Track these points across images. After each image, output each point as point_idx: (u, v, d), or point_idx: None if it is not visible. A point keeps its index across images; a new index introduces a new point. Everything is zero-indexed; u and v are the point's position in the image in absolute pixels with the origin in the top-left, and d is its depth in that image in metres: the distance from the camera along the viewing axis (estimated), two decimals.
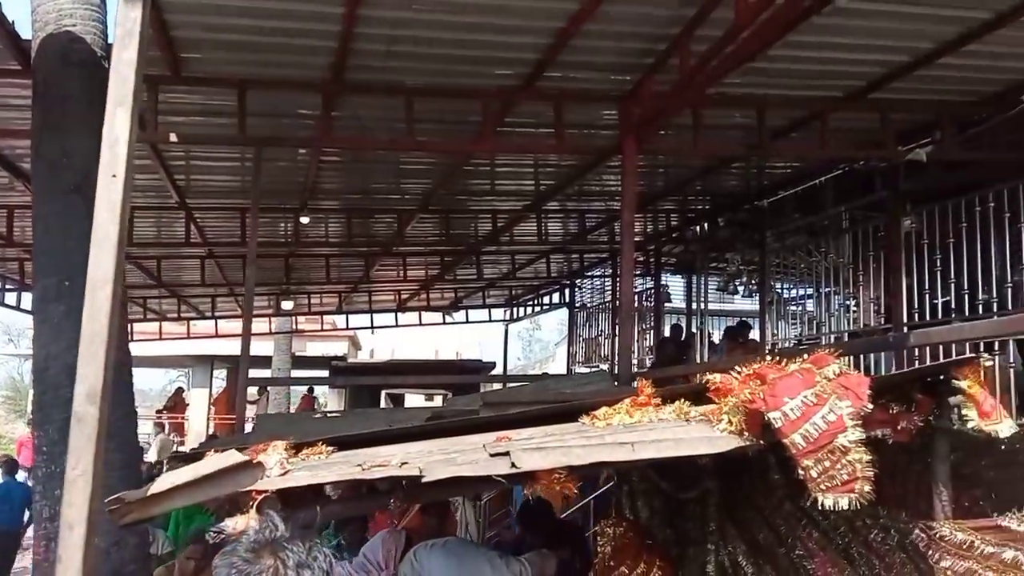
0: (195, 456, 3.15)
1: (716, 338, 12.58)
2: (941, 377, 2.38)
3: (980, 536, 2.31)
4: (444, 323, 19.44)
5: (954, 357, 2.51)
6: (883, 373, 6.25)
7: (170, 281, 13.32)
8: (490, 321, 18.95)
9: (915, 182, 7.68)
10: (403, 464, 2.22)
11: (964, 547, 2.35)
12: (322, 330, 20.12)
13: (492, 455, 2.17)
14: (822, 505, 2.17)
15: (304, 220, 9.53)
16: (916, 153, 4.08)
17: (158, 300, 15.48)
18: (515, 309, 18.88)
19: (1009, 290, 6.58)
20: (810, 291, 9.92)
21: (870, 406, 2.13)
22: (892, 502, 2.76)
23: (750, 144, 6.79)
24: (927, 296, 7.24)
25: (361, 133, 6.94)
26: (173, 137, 6.15)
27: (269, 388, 17.62)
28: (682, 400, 2.76)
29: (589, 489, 8.42)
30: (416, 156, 7.83)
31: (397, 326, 18.45)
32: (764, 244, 10.12)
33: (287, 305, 16.07)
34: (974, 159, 6.80)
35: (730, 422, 2.27)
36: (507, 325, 18.88)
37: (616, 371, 6.46)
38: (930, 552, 2.37)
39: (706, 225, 11.30)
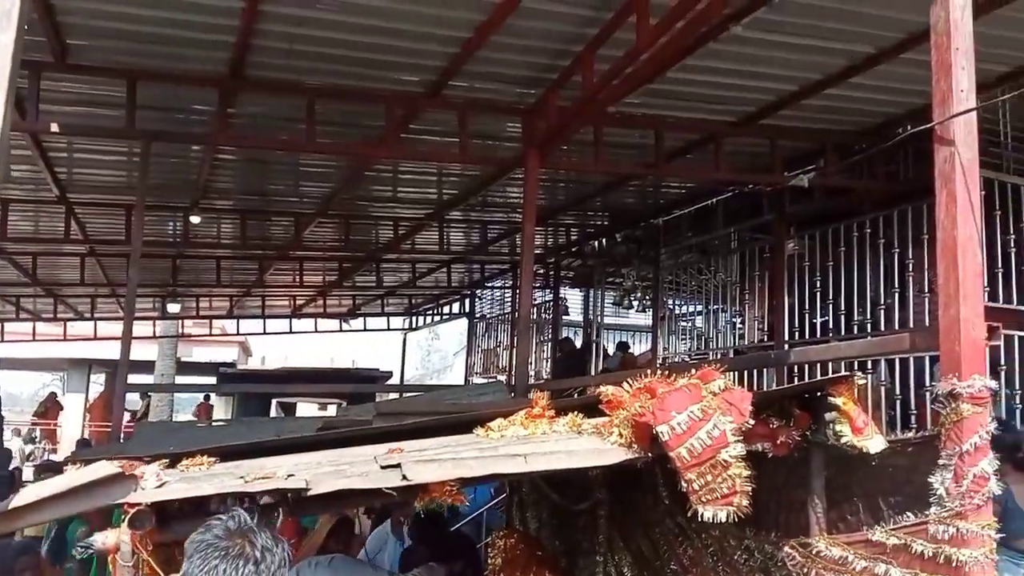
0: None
1: (611, 351, 12.88)
2: (818, 393, 2.49)
3: (853, 551, 2.41)
4: (341, 331, 19.07)
5: (830, 375, 2.62)
6: (766, 388, 6.52)
7: (46, 279, 12.53)
8: (388, 330, 18.74)
9: (800, 207, 8.09)
10: (289, 476, 2.14)
11: (839, 562, 2.44)
12: (211, 335, 19.37)
13: (383, 467, 2.12)
14: (700, 520, 2.23)
15: (194, 220, 9.15)
16: (799, 179, 4.29)
17: (32, 299, 14.54)
18: (414, 318, 18.74)
19: (882, 312, 7.00)
20: (700, 308, 10.27)
21: (752, 421, 2.20)
22: (772, 517, 2.87)
23: (647, 163, 6.96)
24: (807, 316, 7.62)
25: (259, 132, 6.74)
26: (54, 127, 5.79)
27: (151, 395, 16.81)
28: (575, 412, 2.78)
29: (482, 500, 8.42)
30: (317, 158, 7.67)
31: (291, 333, 17.98)
32: (658, 261, 10.41)
33: (173, 308, 15.39)
34: (854, 187, 7.20)
35: (620, 435, 2.30)
36: (406, 334, 18.71)
37: (513, 382, 6.49)
38: (806, 569, 2.46)
39: (604, 240, 11.53)
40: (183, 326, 18.27)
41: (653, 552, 3.22)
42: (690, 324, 10.45)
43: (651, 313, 11.53)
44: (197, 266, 12.76)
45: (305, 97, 5.83)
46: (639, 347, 14.24)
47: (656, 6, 4.26)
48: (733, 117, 6.58)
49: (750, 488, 2.13)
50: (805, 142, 6.78)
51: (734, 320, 9.93)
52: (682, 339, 10.34)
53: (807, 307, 7.64)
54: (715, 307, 9.39)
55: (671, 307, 10.56)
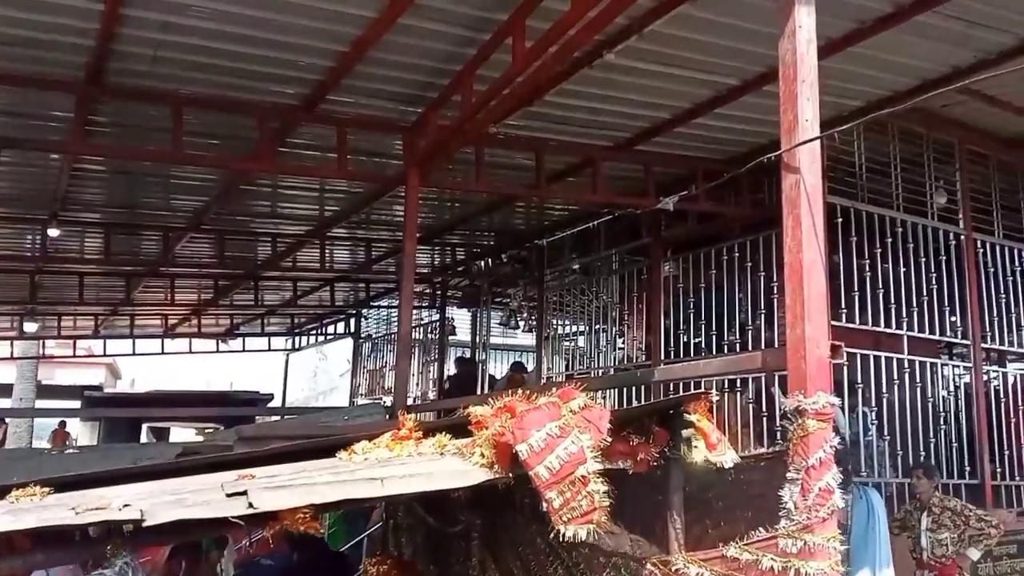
0: None
1: (499, 372, 12.89)
2: (676, 411, 2.55)
3: (709, 567, 2.46)
4: (218, 351, 18.29)
5: (686, 392, 2.69)
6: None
7: None
8: (269, 351, 18.10)
9: (675, 231, 8.39)
10: (125, 506, 2.00)
11: None
12: (75, 356, 18.17)
13: (229, 495, 2.01)
14: (565, 541, 2.22)
15: (53, 233, 8.56)
16: (664, 202, 4.43)
17: None
18: (297, 338, 18.20)
19: (751, 332, 7.31)
20: (584, 328, 10.45)
21: (610, 438, 2.22)
22: (638, 534, 2.90)
23: (530, 184, 7.04)
24: (682, 336, 7.87)
25: (125, 142, 6.40)
26: None
27: (7, 420, 15.57)
28: (443, 433, 2.74)
29: (362, 525, 8.22)
30: (188, 171, 7.34)
31: (164, 354, 17.09)
32: (543, 281, 10.54)
33: (31, 327, 14.33)
34: (723, 212, 7.51)
35: (483, 455, 2.27)
36: (288, 355, 18.14)
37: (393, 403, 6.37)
38: None
39: (491, 260, 11.57)
40: (44, 347, 17.06)
41: (524, 573, 3.20)
42: (573, 344, 10.61)
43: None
44: (59, 282, 11.95)
45: (172, 106, 5.58)
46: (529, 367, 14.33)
47: (532, 29, 4.32)
48: (610, 142, 6.76)
49: (608, 504, 2.14)
50: (677, 168, 7.03)
51: (615, 340, 10.16)
52: (565, 358, 10.48)
53: (681, 327, 7.91)
54: (597, 327, 9.57)
55: (555, 327, 10.69)
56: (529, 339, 14.20)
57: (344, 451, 2.67)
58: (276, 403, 17.38)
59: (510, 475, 2.24)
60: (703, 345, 7.72)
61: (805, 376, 2.36)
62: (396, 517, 4.67)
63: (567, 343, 10.66)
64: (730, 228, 7.67)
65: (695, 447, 2.45)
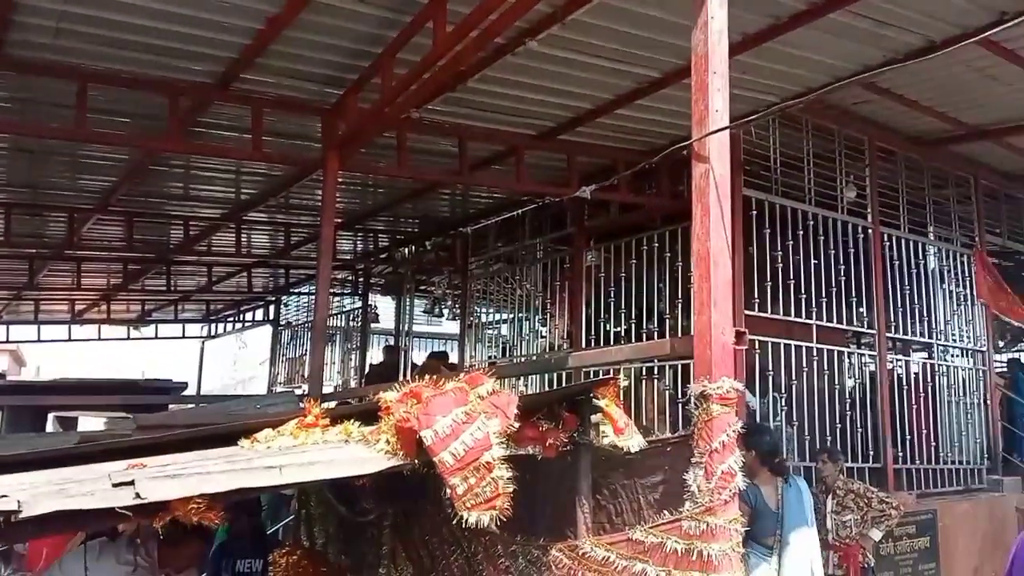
0: None
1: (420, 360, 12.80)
2: (585, 396, 2.56)
3: (616, 551, 2.48)
4: (129, 339, 17.61)
5: (596, 378, 2.71)
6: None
7: None
8: (184, 338, 17.53)
9: (598, 221, 8.47)
10: (1, 497, 1.88)
11: (603, 563, 2.51)
12: None
13: (115, 484, 1.91)
14: (473, 528, 2.20)
15: None
16: (583, 191, 4.46)
17: None
18: (213, 325, 17.68)
19: (668, 321, 7.45)
20: (507, 316, 10.46)
21: (517, 424, 2.21)
22: (542, 521, 2.91)
23: (452, 171, 6.99)
24: (603, 324, 7.96)
25: (26, 118, 6.07)
26: None
27: None
28: (352, 421, 2.68)
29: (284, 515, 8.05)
30: (96, 149, 7.00)
31: (71, 340, 16.36)
32: (467, 269, 10.50)
33: None
34: (643, 203, 7.61)
35: (387, 442, 2.23)
36: (204, 342, 17.61)
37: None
38: (571, 571, 2.51)
39: (414, 248, 11.46)
40: None
41: (430, 562, 3.18)
42: (496, 332, 10.61)
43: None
44: None
45: (77, 82, 5.31)
46: (453, 356, 14.28)
47: (453, 13, 4.26)
48: (534, 131, 6.76)
49: (512, 490, 2.13)
50: (600, 158, 7.08)
51: (538, 328, 10.22)
52: (488, 347, 10.48)
53: (602, 316, 8.00)
54: (520, 315, 9.60)
55: (479, 315, 10.68)
56: (454, 327, 14.18)
57: (246, 439, 2.58)
58: (192, 392, 16.85)
59: (415, 462, 2.20)
60: (623, 334, 7.82)
61: (710, 362, 2.40)
62: (308, 507, 4.58)
63: (490, 331, 10.65)
64: (652, 219, 7.78)
65: (603, 432, 2.46)
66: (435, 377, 2.38)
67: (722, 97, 2.56)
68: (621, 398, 2.50)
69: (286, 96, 5.89)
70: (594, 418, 2.51)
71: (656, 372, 7.32)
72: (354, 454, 2.24)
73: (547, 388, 7.56)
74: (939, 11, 4.76)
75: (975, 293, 8.37)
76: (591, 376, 6.66)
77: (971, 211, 8.61)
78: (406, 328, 12.90)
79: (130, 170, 7.43)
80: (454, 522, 2.26)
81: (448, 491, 2.12)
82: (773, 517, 4.64)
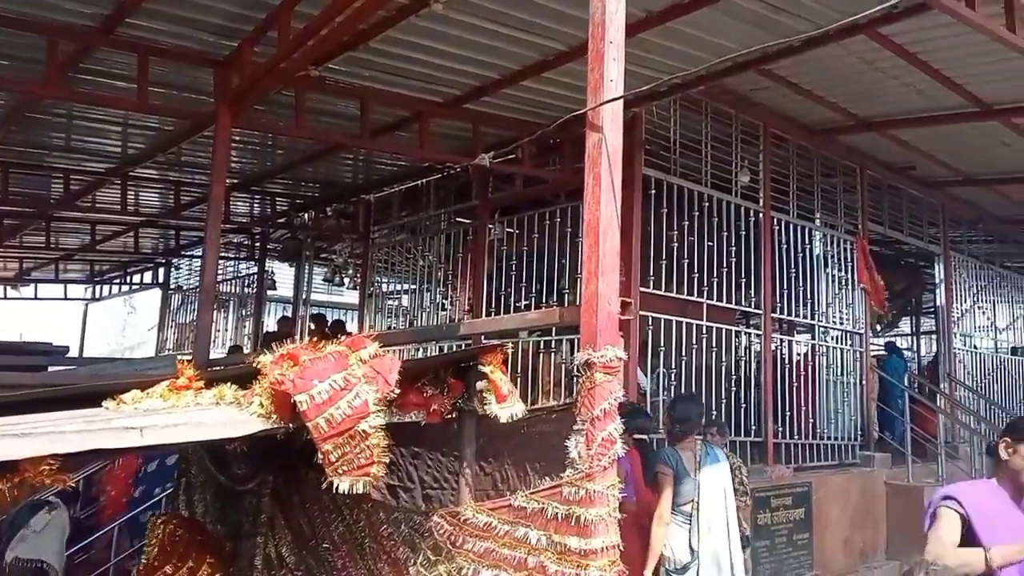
0: None
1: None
2: (471, 363, 2.53)
3: (498, 516, 2.48)
4: (6, 298, 16.53)
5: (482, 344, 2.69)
6: None
7: None
8: (65, 299, 16.57)
9: (503, 193, 8.45)
10: None
11: (484, 529, 2.50)
12: None
13: None
14: (348, 497, 2.15)
15: None
16: (482, 159, 4.41)
17: None
18: (99, 287, 16.78)
19: (567, 296, 7.53)
20: (410, 287, 10.35)
21: (398, 390, 2.17)
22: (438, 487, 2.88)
23: (353, 135, 6.80)
24: (503, 297, 7.97)
25: None
26: None
27: None
28: (228, 384, 2.57)
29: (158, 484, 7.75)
30: None
31: None
32: (369, 238, 10.32)
33: None
34: (547, 177, 7.62)
35: (261, 405, 2.15)
36: (87, 304, 16.71)
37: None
38: (452, 536, 2.49)
39: (315, 213, 11.15)
40: None
41: (310, 530, 3.11)
42: (397, 303, 10.48)
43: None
44: None
45: None
46: (351, 326, 14.03)
47: None
48: (440, 98, 6.64)
49: (388, 459, 2.09)
50: (505, 129, 7.03)
51: (442, 300, 10.15)
52: (389, 318, 10.35)
53: (504, 289, 8.01)
54: (423, 287, 9.52)
55: (380, 285, 10.52)
56: (355, 297, 13.93)
57: (112, 400, 2.44)
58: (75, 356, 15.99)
59: (289, 426, 2.13)
60: (525, 308, 7.85)
61: (596, 330, 2.41)
62: (188, 475, 4.41)
63: (392, 302, 10.50)
64: (556, 194, 7.81)
65: (486, 399, 2.45)
66: (315, 339, 2.30)
67: (617, 67, 2.55)
68: (508, 365, 2.49)
69: (176, 45, 5.58)
70: (479, 385, 2.48)
71: (553, 345, 7.40)
72: (224, 417, 2.15)
73: None
74: (830, 0, 4.92)
75: (856, 278, 8.81)
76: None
77: (856, 200, 9.04)
78: (304, 296, 12.60)
79: (5, 116, 6.91)
80: (336, 489, 2.20)
81: (320, 456, 2.06)
82: (692, 483, 4.74)
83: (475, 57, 5.81)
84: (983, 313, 11.26)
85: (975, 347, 10.98)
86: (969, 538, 2.58)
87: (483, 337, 7.75)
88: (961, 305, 10.75)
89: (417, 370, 2.44)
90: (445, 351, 7.81)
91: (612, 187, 2.51)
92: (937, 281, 10.77)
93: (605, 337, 2.42)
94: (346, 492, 2.07)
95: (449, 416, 2.55)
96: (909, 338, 15.58)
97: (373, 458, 2.05)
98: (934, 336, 11.57)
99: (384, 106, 6.69)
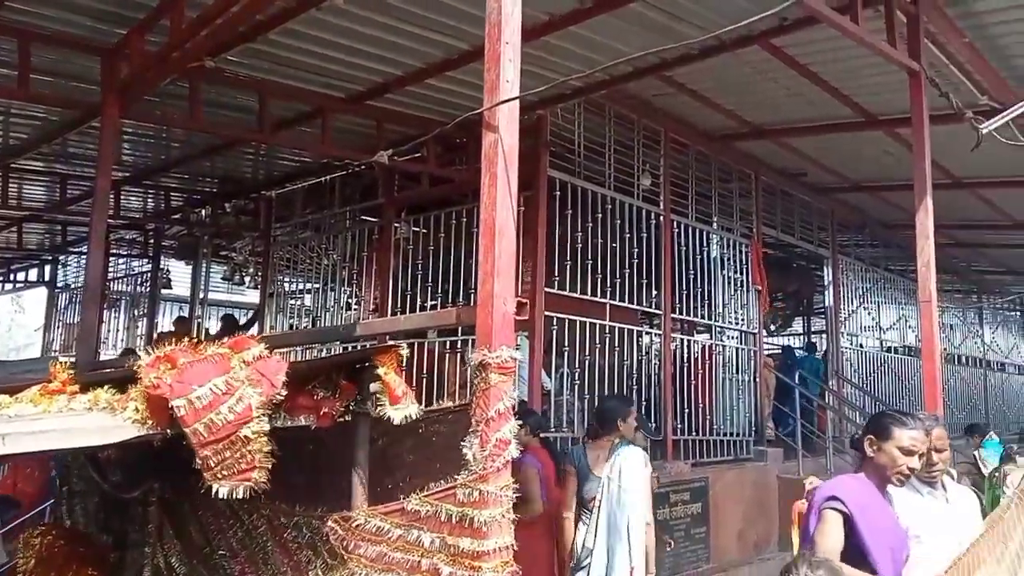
0: None
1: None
2: (366, 364, 2.48)
3: (390, 521, 2.44)
4: None
5: (378, 344, 2.64)
6: None
7: None
8: None
9: (410, 192, 8.37)
10: None
11: (377, 533, 2.45)
12: None
13: None
14: (246, 502, 2.08)
15: None
16: (380, 155, 4.35)
17: None
18: None
19: (473, 297, 7.49)
20: (313, 286, 10.12)
21: (284, 392, 2.10)
22: (324, 492, 2.82)
23: (252, 129, 6.60)
24: (409, 297, 7.90)
25: None
26: None
27: None
28: (105, 388, 2.44)
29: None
30: None
31: None
32: (269, 235, 10.04)
33: None
34: (452, 177, 7.60)
35: (136, 410, 2.04)
36: None
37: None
38: (345, 541, 2.44)
39: (212, 209, 10.76)
40: None
41: (203, 538, 2.99)
42: (299, 303, 10.24)
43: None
44: None
45: None
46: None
47: None
48: (342, 93, 6.52)
49: (271, 463, 2.02)
50: (409, 128, 6.96)
51: (348, 300, 9.97)
52: (291, 318, 10.10)
53: (409, 289, 7.93)
54: (328, 286, 9.33)
55: (283, 284, 10.25)
56: (256, 296, 13.52)
57: None
58: None
59: (166, 432, 2.03)
60: (431, 308, 7.79)
61: (491, 331, 2.40)
62: (71, 483, 4.18)
63: (294, 302, 10.25)
64: (463, 193, 7.79)
65: (379, 401, 2.40)
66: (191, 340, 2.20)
67: (513, 68, 2.55)
68: (402, 366, 2.45)
69: (61, 31, 5.28)
70: (373, 387, 2.44)
71: (459, 346, 7.37)
72: (96, 423, 2.03)
73: None
74: (725, 10, 5.07)
75: (750, 280, 9.14)
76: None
77: (751, 204, 9.38)
78: (202, 296, 12.17)
79: None
80: (232, 495, 2.12)
81: (199, 462, 1.97)
82: (596, 482, 4.75)
83: (378, 53, 5.74)
84: (868, 313, 11.88)
85: (861, 346, 11.58)
86: (851, 535, 2.70)
87: (388, 337, 7.67)
88: (848, 306, 11.31)
89: (307, 372, 2.38)
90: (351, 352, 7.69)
91: (508, 187, 2.51)
92: (826, 283, 11.31)
93: (500, 337, 2.41)
94: (244, 497, 1.99)
95: (341, 419, 2.49)
96: (801, 337, 16.28)
97: (255, 463, 1.98)
98: (824, 335, 12.11)
99: (284, 100, 6.53)
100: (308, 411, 2.37)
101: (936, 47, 5.46)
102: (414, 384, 7.09)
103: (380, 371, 2.35)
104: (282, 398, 2.09)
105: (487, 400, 2.37)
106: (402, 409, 2.36)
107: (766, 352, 11.31)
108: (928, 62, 5.21)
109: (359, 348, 6.18)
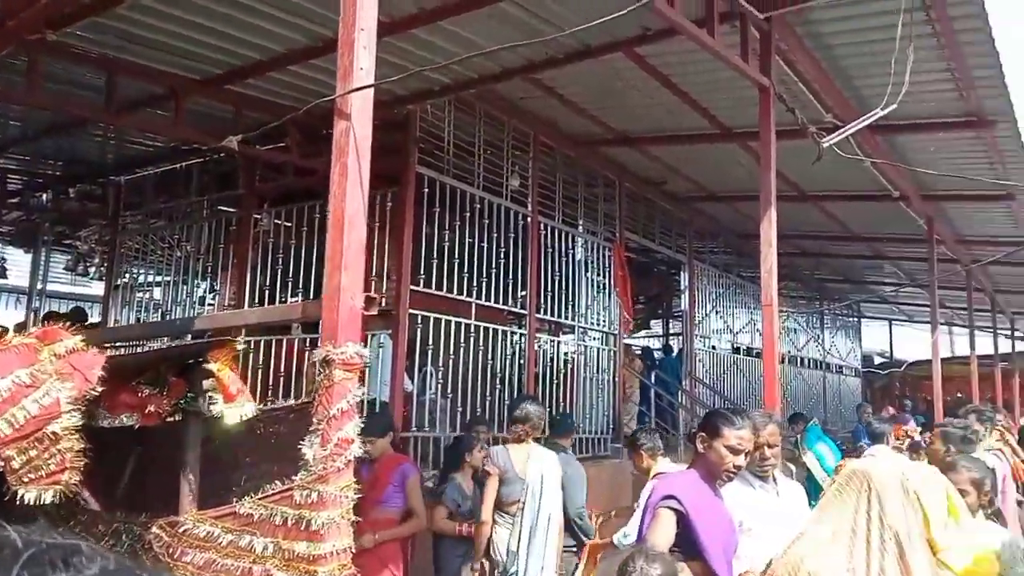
0: None
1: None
2: (199, 360, 2.34)
3: (221, 525, 2.31)
4: None
5: (211, 339, 2.49)
6: None
7: None
8: None
9: (274, 183, 8.05)
10: None
11: (206, 539, 2.32)
12: None
13: None
14: (61, 507, 1.90)
15: None
16: (229, 140, 4.16)
17: None
18: None
19: None
20: (168, 279, 9.57)
21: (100, 388, 1.94)
22: (153, 498, 2.64)
23: (98, 107, 6.16)
24: (268, 293, 7.60)
25: None
26: None
27: None
28: None
29: None
30: None
31: None
32: (117, 223, 9.42)
33: None
34: (316, 168, 7.36)
35: None
36: None
37: None
38: (171, 549, 2.29)
39: (56, 193, 9.98)
40: None
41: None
42: (148, 296, 9.65)
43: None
44: None
45: None
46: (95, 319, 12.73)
47: None
48: (197, 75, 6.19)
49: (82, 464, 1.86)
50: (270, 115, 6.69)
51: (204, 295, 9.49)
52: (139, 312, 9.50)
53: (269, 284, 7.64)
54: (181, 280, 8.85)
55: (132, 276, 9.63)
56: (100, 288, 12.65)
57: None
58: None
59: None
60: (288, 302, 7.54)
61: (337, 326, 2.32)
62: None
63: (142, 295, 9.64)
64: (328, 186, 7.55)
65: (213, 399, 2.27)
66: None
67: (368, 55, 2.48)
68: (239, 362, 2.32)
69: None
70: (206, 384, 2.30)
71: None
72: None
73: None
74: (592, 16, 5.17)
75: (612, 283, 9.39)
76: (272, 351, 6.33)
77: (615, 209, 9.64)
78: (41, 286, 11.28)
79: None
80: (39, 501, 1.92)
81: (1, 464, 1.79)
82: (519, 483, 4.66)
83: (238, 35, 5.49)
84: (720, 317, 12.50)
85: (714, 348, 12.16)
86: (687, 532, 2.79)
87: (244, 331, 7.35)
88: (702, 310, 11.85)
89: (132, 368, 2.21)
90: None
91: (360, 178, 2.44)
92: (683, 287, 11.81)
93: (346, 333, 2.33)
94: (56, 503, 1.81)
95: (170, 418, 2.34)
96: (659, 339, 16.92)
97: (65, 463, 1.81)
98: (680, 337, 12.62)
99: (134, 79, 6.12)
100: (132, 409, 2.20)
101: (787, 65, 5.77)
102: (276, 381, 6.87)
103: (213, 367, 2.21)
104: (98, 394, 1.93)
105: (330, 397, 2.29)
106: (237, 408, 2.24)
107: (637, 353, 11.71)
108: (780, 79, 5.50)
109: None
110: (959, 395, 14.31)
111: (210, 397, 2.28)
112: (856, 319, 19.11)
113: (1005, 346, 16.81)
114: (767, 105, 5.21)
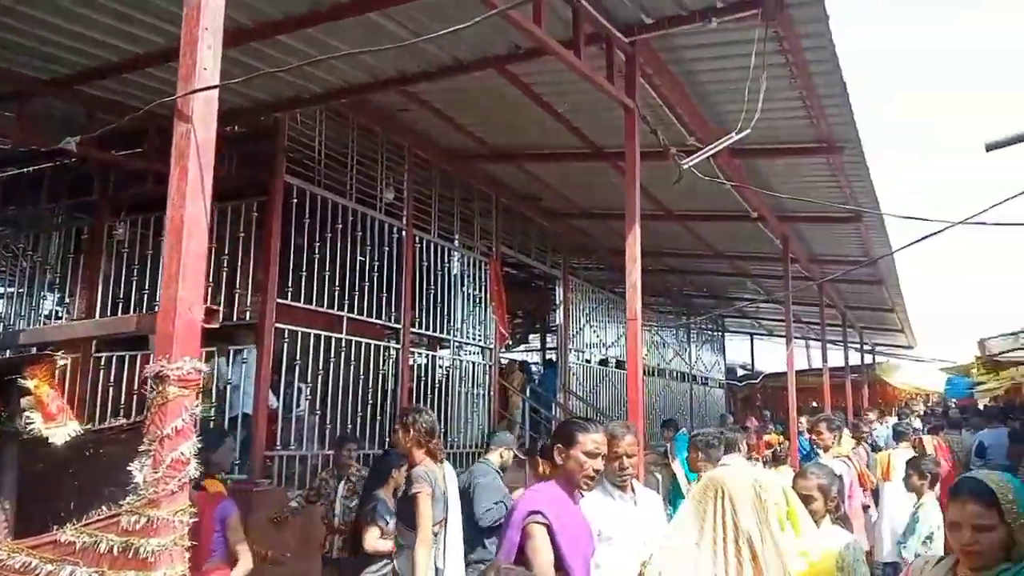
0: None
1: None
2: (14, 375, 2.15)
3: (39, 555, 2.13)
4: None
5: (29, 353, 2.31)
6: None
7: None
8: None
9: (134, 191, 7.60)
10: None
11: (23, 570, 2.13)
12: None
13: None
14: None
15: None
16: (66, 141, 3.91)
17: None
18: None
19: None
20: (11, 290, 8.87)
21: None
22: None
23: None
24: (122, 305, 7.18)
25: None
26: None
27: None
28: None
29: None
30: None
31: None
32: None
33: None
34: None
35: None
36: None
37: None
38: None
39: None
40: None
41: None
42: None
43: None
44: None
45: None
46: None
47: None
48: (45, 75, 5.80)
49: None
50: (133, 121, 6.35)
51: (54, 309, 8.86)
52: None
53: (123, 297, 7.22)
54: (27, 291, 8.22)
55: None
56: None
57: None
58: None
59: None
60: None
61: (172, 339, 2.19)
62: None
63: None
64: None
65: (30, 418, 2.09)
66: None
67: (213, 56, 2.38)
68: (57, 378, 2.15)
69: None
70: (24, 402, 2.11)
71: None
72: None
73: None
74: (464, 33, 5.18)
75: (488, 297, 9.43)
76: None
77: (491, 224, 9.70)
78: None
79: None
80: None
81: None
82: (443, 503, 4.45)
83: (89, 34, 5.18)
84: (594, 331, 12.78)
85: (588, 361, 12.41)
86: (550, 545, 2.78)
87: (94, 343, 6.89)
88: (576, 324, 12.08)
89: None
90: None
91: (201, 183, 2.32)
92: (558, 302, 12.00)
93: (183, 346, 2.20)
94: None
95: None
96: (537, 353, 17.12)
97: None
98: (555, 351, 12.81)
99: None
100: None
101: (652, 88, 5.96)
102: (130, 399, 6.46)
103: (30, 384, 2.04)
104: None
105: (163, 416, 2.15)
106: (58, 427, 2.07)
107: (519, 367, 11.75)
108: (646, 101, 5.68)
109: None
110: (814, 404, 15.22)
111: (27, 416, 2.09)
112: (720, 333, 19.99)
113: (855, 359, 18.00)
114: (632, 126, 5.35)
